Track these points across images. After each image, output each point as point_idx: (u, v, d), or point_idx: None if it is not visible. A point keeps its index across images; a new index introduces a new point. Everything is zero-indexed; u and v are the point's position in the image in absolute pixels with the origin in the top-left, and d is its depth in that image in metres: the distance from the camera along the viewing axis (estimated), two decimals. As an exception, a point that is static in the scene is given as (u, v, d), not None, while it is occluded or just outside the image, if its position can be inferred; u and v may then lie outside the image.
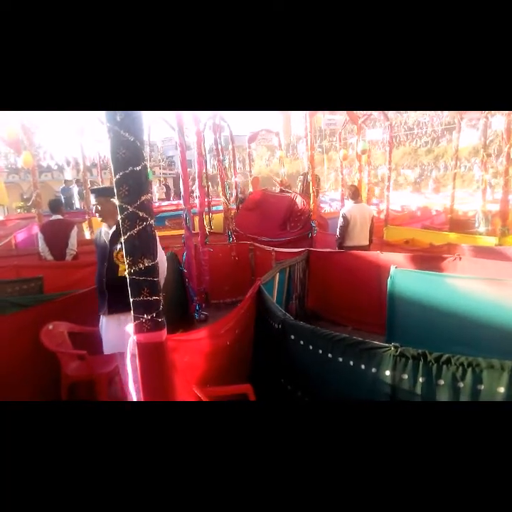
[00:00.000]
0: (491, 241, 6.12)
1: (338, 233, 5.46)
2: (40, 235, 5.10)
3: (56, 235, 5.07)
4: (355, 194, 5.52)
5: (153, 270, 1.50)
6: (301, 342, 2.62)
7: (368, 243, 5.53)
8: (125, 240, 1.46)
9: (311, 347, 2.55)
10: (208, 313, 5.10)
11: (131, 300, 1.52)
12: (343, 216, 5.39)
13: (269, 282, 3.86)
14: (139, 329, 1.56)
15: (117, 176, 1.40)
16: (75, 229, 5.38)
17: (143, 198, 1.43)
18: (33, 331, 3.03)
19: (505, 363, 1.94)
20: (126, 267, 1.48)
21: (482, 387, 1.98)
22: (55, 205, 5.33)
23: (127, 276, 1.50)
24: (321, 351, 2.48)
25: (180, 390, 1.98)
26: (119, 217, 1.44)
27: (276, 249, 5.63)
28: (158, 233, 5.95)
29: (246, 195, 9.30)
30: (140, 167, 1.41)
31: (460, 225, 8.28)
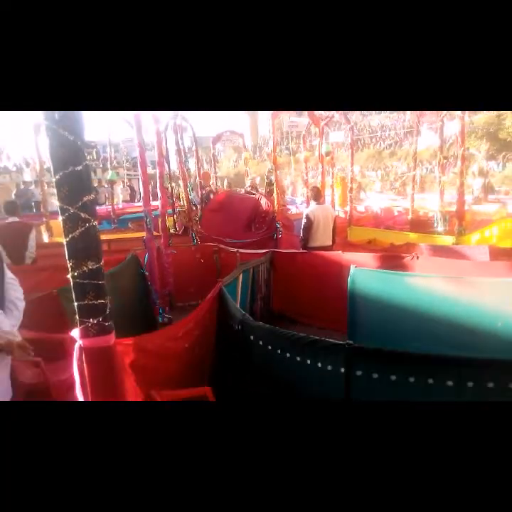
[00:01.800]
0: (448, 240, 6.34)
1: (301, 234, 5.52)
2: None
3: (13, 238, 4.86)
4: (317, 195, 5.60)
5: (98, 273, 1.46)
6: (260, 342, 2.62)
7: (331, 243, 5.62)
8: (67, 242, 1.41)
9: (269, 347, 2.56)
10: (172, 316, 5.03)
11: (75, 304, 1.48)
12: (306, 217, 5.45)
13: (231, 283, 3.85)
14: (84, 334, 1.52)
15: (57, 177, 1.36)
16: (34, 232, 5.21)
17: (85, 198, 1.39)
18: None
19: (455, 358, 2.01)
20: (69, 269, 1.44)
21: (432, 381, 2.04)
22: (10, 207, 5.13)
23: (71, 279, 1.45)
24: (279, 351, 2.50)
25: (134, 395, 1.94)
26: (59, 218, 1.39)
27: (240, 250, 5.62)
28: (120, 235, 5.86)
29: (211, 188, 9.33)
30: (81, 167, 1.37)
31: (420, 225, 8.54)
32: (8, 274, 2.09)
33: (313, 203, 5.58)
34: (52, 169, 1.38)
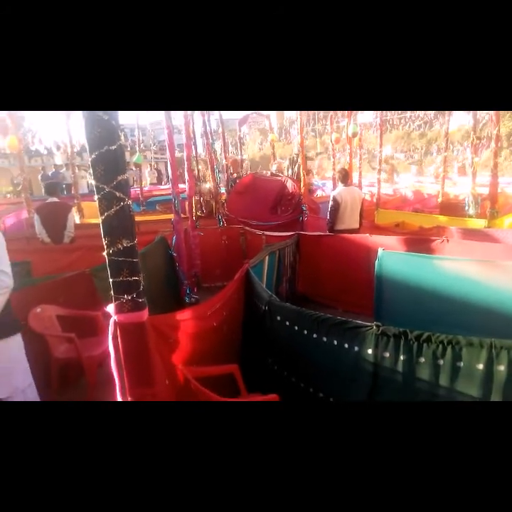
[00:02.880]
0: (480, 223, 6.16)
1: (328, 216, 5.45)
2: (36, 217, 5.03)
3: (53, 217, 5.03)
4: (345, 177, 5.50)
5: (132, 251, 1.50)
6: (287, 322, 2.65)
7: (358, 226, 5.54)
8: (102, 221, 1.45)
9: (296, 327, 2.59)
10: (198, 296, 5.11)
11: (110, 280, 1.53)
12: (333, 199, 5.37)
13: (258, 265, 3.88)
14: (119, 310, 1.57)
15: (93, 156, 1.39)
16: (73, 211, 5.36)
17: (119, 178, 1.42)
18: (21, 314, 3.03)
19: (484, 341, 1.98)
20: (105, 247, 1.48)
21: (461, 364, 2.02)
22: (50, 188, 5.31)
23: (106, 256, 1.50)
24: (306, 331, 2.52)
25: (166, 371, 2.00)
26: (95, 197, 1.43)
27: (266, 233, 5.63)
28: (149, 217, 5.97)
29: (239, 175, 9.32)
30: (115, 146, 1.40)
31: (451, 208, 8.30)
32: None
33: (340, 185, 5.50)
34: (87, 148, 1.41)
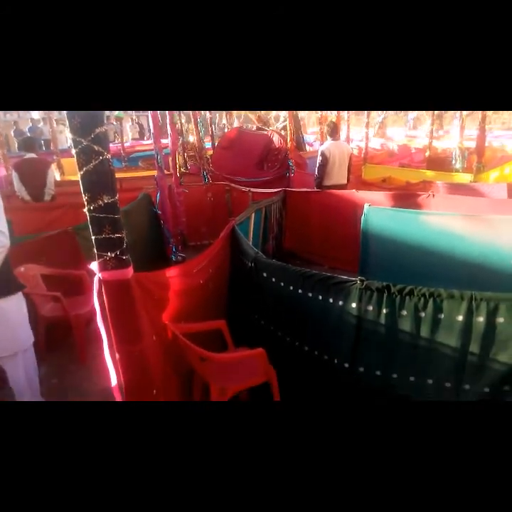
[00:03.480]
0: (466, 178, 6.16)
1: (316, 172, 5.35)
2: (14, 175, 4.85)
3: (32, 174, 4.85)
4: (334, 131, 5.36)
5: (113, 207, 1.47)
6: (273, 279, 2.67)
7: (346, 182, 5.47)
8: (81, 176, 1.41)
9: (282, 283, 2.61)
10: (185, 255, 5.10)
11: (93, 238, 1.50)
12: (322, 154, 5.24)
13: (244, 222, 3.86)
14: (103, 267, 1.55)
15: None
16: (52, 168, 5.18)
17: (97, 130, 1.36)
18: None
19: (464, 293, 2.02)
20: (85, 203, 1.45)
21: (442, 316, 2.08)
22: (28, 144, 5.05)
23: (87, 213, 1.46)
24: (291, 287, 2.54)
25: (152, 327, 2.02)
26: (73, 151, 1.38)
27: (252, 189, 5.56)
28: (131, 174, 5.81)
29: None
30: (92, 97, 1.33)
31: (438, 162, 8.26)
32: None
33: (328, 140, 5.37)
34: (63, 100, 1.34)
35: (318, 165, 5.29)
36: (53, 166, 7.70)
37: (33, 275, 3.19)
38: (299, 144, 9.46)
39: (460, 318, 2.04)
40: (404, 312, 2.14)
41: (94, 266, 1.57)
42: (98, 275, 1.58)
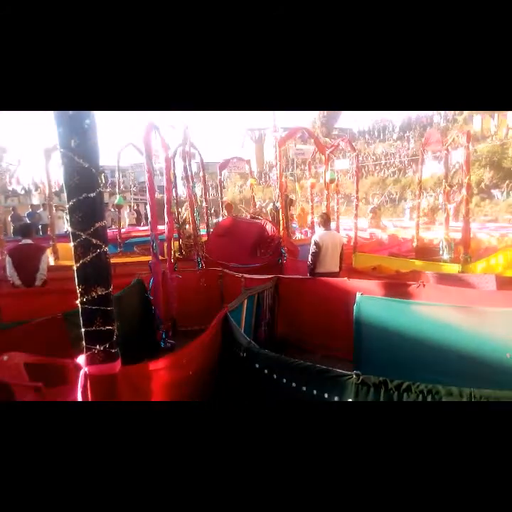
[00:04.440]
0: (454, 268, 6.30)
1: (309, 260, 5.53)
2: (8, 260, 4.89)
3: (25, 259, 4.89)
4: (326, 221, 5.64)
5: (107, 299, 1.46)
6: (266, 370, 2.58)
7: (338, 270, 5.64)
8: (77, 268, 1.42)
9: (275, 376, 2.52)
10: (175, 341, 4.99)
11: (82, 330, 1.47)
12: (315, 243, 5.47)
13: (236, 309, 3.83)
14: (90, 361, 1.50)
15: (70, 203, 1.38)
16: (46, 254, 5.24)
17: (97, 224, 1.40)
18: (-13, 362, 2.88)
19: (463, 390, 1.96)
20: (79, 295, 1.44)
21: (441, 413, 1.99)
22: (25, 229, 5.17)
23: (79, 305, 1.45)
24: (284, 380, 2.46)
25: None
26: (71, 244, 1.40)
27: (245, 275, 5.61)
28: (126, 259, 5.83)
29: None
30: (94, 194, 1.39)
31: (425, 252, 8.51)
32: None
33: (321, 229, 5.61)
34: (66, 195, 1.39)
35: (311, 253, 5.49)
36: (48, 251, 7.83)
37: (15, 364, 3.06)
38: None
39: (460, 416, 1.96)
40: (402, 409, 2.05)
41: (81, 359, 1.52)
42: (84, 369, 1.52)
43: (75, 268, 1.43)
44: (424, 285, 4.49)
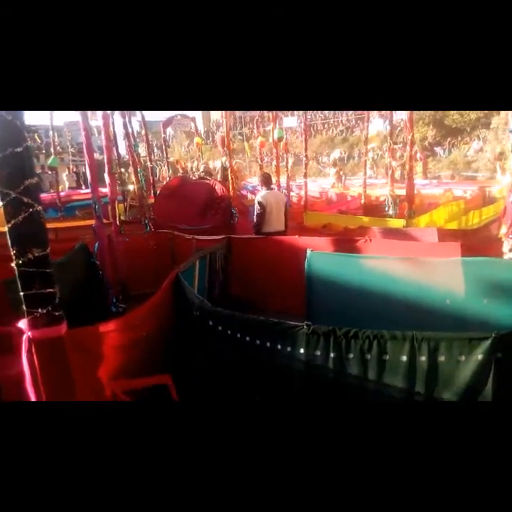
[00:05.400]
0: (399, 223, 6.55)
1: (255, 220, 5.53)
2: None
3: None
4: (267, 181, 5.64)
5: (44, 261, 1.38)
6: (219, 327, 2.60)
7: (284, 228, 5.70)
8: (9, 229, 1.32)
9: (229, 332, 2.55)
10: (127, 305, 4.89)
11: (21, 294, 1.39)
12: (258, 203, 5.47)
13: (188, 270, 3.79)
14: (33, 325, 1.44)
15: (-5, 158, 1.26)
16: None
17: (27, 182, 1.30)
18: None
19: (406, 334, 2.08)
20: (13, 257, 1.35)
21: (387, 357, 2.11)
22: None
23: (15, 267, 1.36)
24: (238, 335, 2.49)
25: (89, 386, 1.87)
26: (0, 204, 1.30)
27: (196, 237, 5.54)
28: (68, 224, 5.56)
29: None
30: (21, 149, 1.28)
31: (372, 209, 8.78)
32: None
33: (263, 189, 5.59)
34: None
35: (256, 213, 5.49)
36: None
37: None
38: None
39: (404, 358, 2.08)
40: (351, 355, 2.15)
41: (23, 324, 1.44)
42: (27, 333, 1.45)
43: (6, 229, 1.34)
44: (370, 240, 4.65)
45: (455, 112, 20.03)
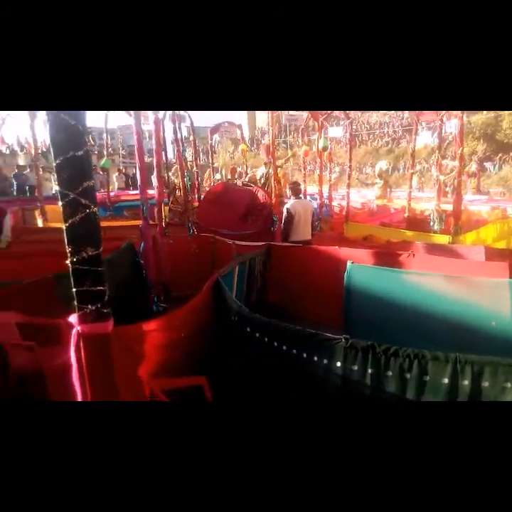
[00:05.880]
0: (444, 239, 6.35)
1: (282, 228, 5.62)
2: None
3: None
4: (296, 190, 5.77)
5: (97, 259, 1.45)
6: (257, 334, 2.62)
7: (310, 237, 5.76)
8: (66, 228, 1.39)
9: (266, 339, 2.56)
10: (167, 305, 5.00)
11: (73, 290, 1.46)
12: (287, 211, 5.58)
13: (228, 275, 3.84)
14: (82, 320, 1.50)
15: (57, 161, 1.33)
16: (9, 216, 5.11)
17: (85, 184, 1.37)
18: (-25, 322, 2.87)
19: (449, 355, 2.01)
20: (68, 255, 1.42)
21: (427, 378, 2.05)
22: None
23: (69, 265, 1.43)
24: (275, 343, 2.49)
25: (130, 382, 1.93)
26: (59, 203, 1.37)
27: (237, 242, 5.60)
28: (115, 223, 5.79)
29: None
30: (82, 152, 1.34)
31: (416, 223, 8.55)
32: None
33: (292, 198, 5.72)
34: (52, 153, 1.35)
35: (283, 221, 5.61)
36: (36, 213, 7.69)
37: (7, 323, 3.06)
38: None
39: (445, 380, 2.01)
40: (390, 373, 2.10)
41: (73, 318, 1.51)
42: (77, 328, 1.52)
43: (63, 228, 1.41)
44: (414, 255, 4.53)
45: (508, 126, 19.25)
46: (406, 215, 8.98)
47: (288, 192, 6.14)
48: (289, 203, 5.71)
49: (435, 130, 12.28)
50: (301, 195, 6.15)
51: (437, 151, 8.52)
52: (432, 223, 7.72)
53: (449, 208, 7.37)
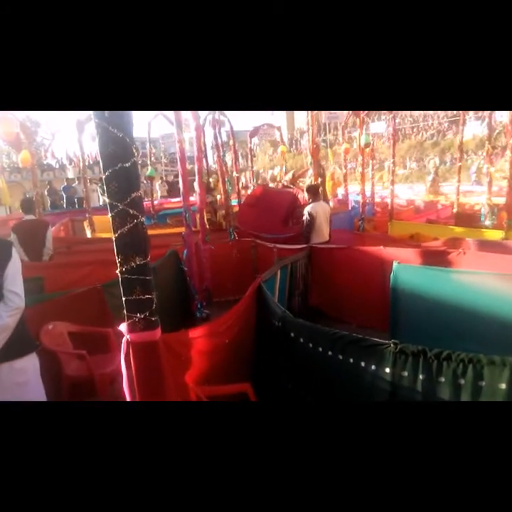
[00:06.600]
0: (497, 234, 6.04)
1: (304, 231, 5.67)
2: (13, 236, 4.82)
3: (30, 235, 4.91)
4: (315, 193, 5.82)
5: (145, 268, 1.48)
6: (301, 339, 2.59)
7: (328, 238, 5.80)
8: (116, 238, 1.43)
9: (310, 344, 2.53)
10: (210, 311, 5.08)
11: (123, 299, 1.50)
12: (309, 214, 5.60)
13: (270, 279, 3.83)
14: (131, 328, 1.54)
15: (107, 173, 1.38)
16: (50, 229, 5.26)
17: (133, 195, 1.40)
18: (33, 330, 3.02)
19: (506, 359, 1.90)
20: (118, 265, 1.46)
21: (483, 383, 1.94)
22: (27, 205, 5.18)
23: (119, 274, 1.48)
24: (321, 349, 2.45)
25: (177, 389, 1.96)
26: (108, 215, 1.41)
27: (277, 245, 5.59)
28: (160, 231, 5.95)
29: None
30: (129, 164, 1.38)
31: (466, 218, 8.18)
32: (13, 267, 2.11)
33: (311, 201, 5.74)
34: (101, 166, 1.40)
35: (305, 224, 5.66)
36: (85, 224, 8.01)
37: (60, 332, 3.21)
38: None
39: (503, 386, 1.90)
40: (442, 379, 2.01)
41: (123, 327, 1.55)
42: (126, 336, 1.56)
43: (113, 238, 1.45)
44: (464, 252, 4.34)
45: None
46: (454, 210, 8.62)
47: (305, 195, 6.17)
48: (309, 205, 5.76)
49: (484, 119, 11.73)
50: (320, 198, 6.14)
51: (487, 142, 8.11)
52: (482, 218, 7.37)
53: (502, 201, 7.01)
